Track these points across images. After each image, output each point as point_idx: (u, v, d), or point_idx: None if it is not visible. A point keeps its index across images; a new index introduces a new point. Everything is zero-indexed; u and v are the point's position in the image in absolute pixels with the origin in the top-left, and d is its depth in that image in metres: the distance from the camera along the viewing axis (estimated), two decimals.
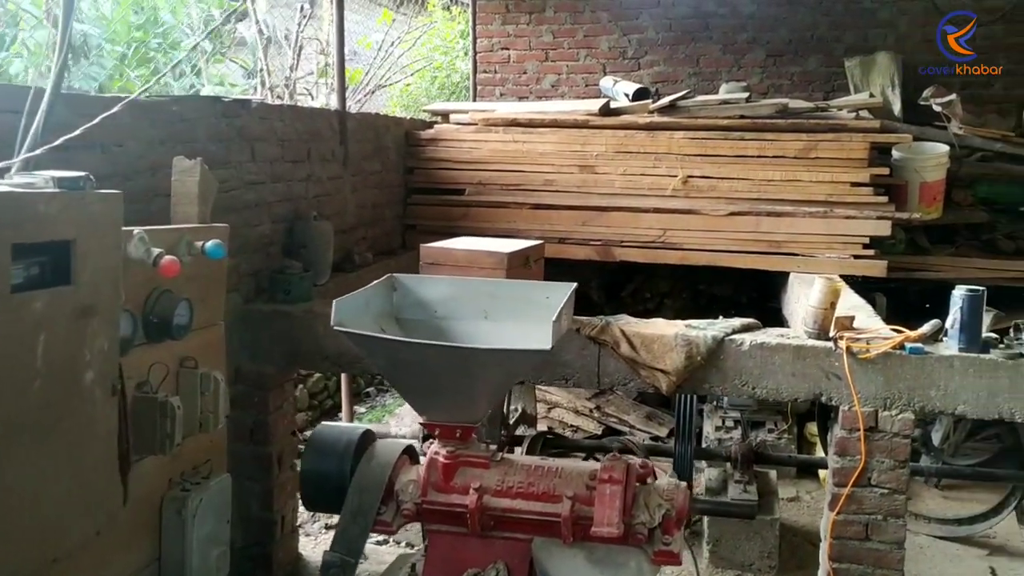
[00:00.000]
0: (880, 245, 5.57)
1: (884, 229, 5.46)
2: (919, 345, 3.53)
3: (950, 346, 3.56)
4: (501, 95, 7.61)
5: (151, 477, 2.69)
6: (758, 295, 6.34)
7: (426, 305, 3.04)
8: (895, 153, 6.00)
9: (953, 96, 6.50)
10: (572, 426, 6.15)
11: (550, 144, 5.91)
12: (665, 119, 5.83)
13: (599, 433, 6.02)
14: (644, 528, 2.63)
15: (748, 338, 3.67)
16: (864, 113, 6.14)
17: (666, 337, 3.65)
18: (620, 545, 2.65)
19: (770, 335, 3.73)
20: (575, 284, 2.97)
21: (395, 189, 6.00)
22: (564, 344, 3.76)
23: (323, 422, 3.21)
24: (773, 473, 4.93)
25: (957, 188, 6.36)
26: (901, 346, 3.54)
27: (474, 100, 7.65)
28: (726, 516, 4.34)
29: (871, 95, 6.79)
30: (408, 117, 7.02)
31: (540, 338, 2.47)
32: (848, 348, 3.52)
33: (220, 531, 2.92)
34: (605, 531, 2.55)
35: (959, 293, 3.54)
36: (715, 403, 5.74)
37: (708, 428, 5.66)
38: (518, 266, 3.73)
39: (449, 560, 2.72)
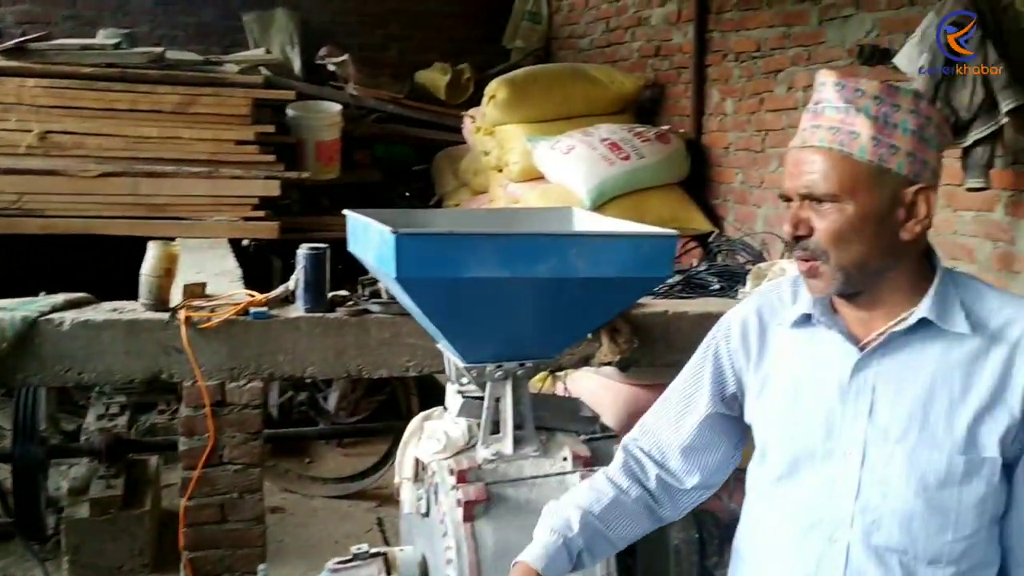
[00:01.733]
0: (274, 206, 5.40)
1: (273, 189, 5.29)
2: (263, 309, 3.32)
3: (298, 308, 3.43)
4: None
5: None
6: None
7: None
8: (289, 111, 5.87)
9: (345, 56, 6.63)
10: None
11: None
12: (14, 64, 4.94)
13: None
14: None
15: (71, 316, 3.13)
16: (263, 70, 5.90)
17: None
18: None
19: (99, 311, 3.23)
20: None
21: None
22: None
23: None
24: (155, 459, 4.48)
25: (357, 148, 6.50)
26: (247, 312, 3.31)
27: None
28: None
29: (268, 51, 6.61)
30: None
31: None
32: (187, 319, 3.19)
33: None
34: None
35: (302, 252, 3.39)
36: (98, 390, 5.09)
37: (91, 418, 4.99)
38: None
39: None
